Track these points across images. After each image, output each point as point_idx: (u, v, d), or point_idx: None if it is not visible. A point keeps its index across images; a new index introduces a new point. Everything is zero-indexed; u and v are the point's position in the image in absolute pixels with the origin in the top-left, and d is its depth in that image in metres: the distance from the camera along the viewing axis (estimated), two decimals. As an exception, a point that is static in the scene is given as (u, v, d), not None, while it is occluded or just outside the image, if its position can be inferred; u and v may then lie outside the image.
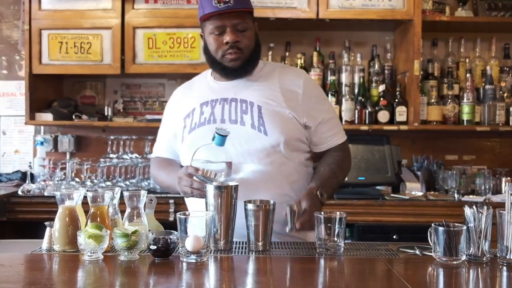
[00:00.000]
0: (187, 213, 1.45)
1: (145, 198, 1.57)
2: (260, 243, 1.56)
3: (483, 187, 3.20)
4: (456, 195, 3.06)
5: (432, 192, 3.17)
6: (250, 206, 1.56)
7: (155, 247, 1.42)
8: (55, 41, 3.20)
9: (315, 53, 3.42)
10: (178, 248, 1.44)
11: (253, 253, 1.55)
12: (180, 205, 2.96)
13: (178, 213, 1.44)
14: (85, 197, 1.57)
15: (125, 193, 1.55)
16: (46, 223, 1.59)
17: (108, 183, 3.21)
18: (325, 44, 3.53)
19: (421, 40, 3.17)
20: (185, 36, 3.18)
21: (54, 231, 1.53)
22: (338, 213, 1.54)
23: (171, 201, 2.95)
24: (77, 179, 3.23)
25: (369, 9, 3.17)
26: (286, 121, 1.81)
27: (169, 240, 1.43)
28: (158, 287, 1.30)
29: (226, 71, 1.84)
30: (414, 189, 3.17)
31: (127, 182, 3.26)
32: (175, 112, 1.97)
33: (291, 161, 1.83)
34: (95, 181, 3.21)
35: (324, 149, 1.92)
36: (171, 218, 2.93)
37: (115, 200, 1.62)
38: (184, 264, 1.41)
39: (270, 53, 3.44)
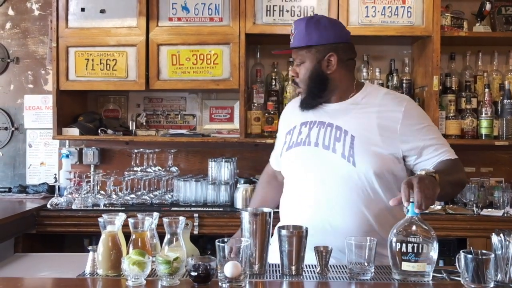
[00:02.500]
0: (225, 240, 1.52)
1: (184, 224, 1.64)
2: (293, 267, 1.62)
3: (501, 200, 3.24)
4: (475, 209, 3.10)
5: (450, 206, 3.22)
6: (283, 232, 1.62)
7: (195, 273, 1.49)
8: (81, 58, 3.29)
9: (334, 68, 3.47)
10: (217, 273, 1.51)
11: (287, 277, 1.61)
12: (204, 218, 3.03)
13: (217, 240, 1.51)
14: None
15: (165, 220, 1.61)
16: (89, 247, 1.66)
17: (133, 195, 3.29)
18: (344, 58, 3.57)
19: (439, 55, 3.22)
20: (208, 52, 3.25)
21: (98, 255, 1.60)
22: (368, 239, 1.60)
23: (196, 215, 3.02)
24: (102, 192, 3.31)
25: (389, 25, 3.22)
26: (377, 154, 1.83)
27: (208, 266, 1.50)
28: (199, 311, 1.37)
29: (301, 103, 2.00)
30: (433, 202, 3.21)
31: (151, 195, 3.34)
32: (282, 126, 2.13)
33: (380, 194, 1.85)
34: (120, 194, 3.29)
35: (432, 166, 1.84)
36: (195, 232, 2.99)
37: (153, 225, 1.69)
38: (223, 289, 1.48)
39: (290, 67, 3.50)
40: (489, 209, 3.15)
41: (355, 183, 1.83)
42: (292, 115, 2.06)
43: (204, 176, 3.42)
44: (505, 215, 3.05)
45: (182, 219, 1.63)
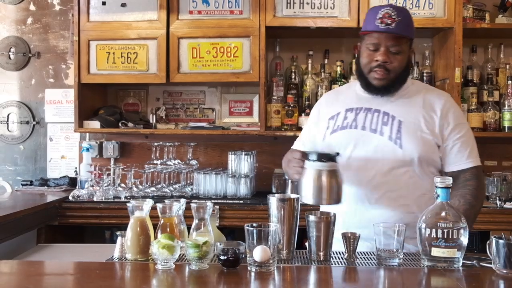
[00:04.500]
0: (254, 224, 1.52)
1: (211, 209, 1.65)
2: (321, 253, 1.62)
3: (524, 194, 3.21)
4: (498, 202, 3.07)
5: (473, 199, 3.18)
6: (311, 218, 1.62)
7: (224, 257, 1.49)
8: (102, 52, 3.31)
9: (353, 61, 3.46)
10: (246, 258, 1.51)
11: (315, 263, 1.61)
12: (224, 211, 3.03)
13: (246, 224, 1.51)
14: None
15: (193, 205, 1.62)
16: (118, 232, 1.67)
17: (153, 188, 3.30)
18: (364, 51, 3.55)
19: (461, 47, 3.19)
20: (228, 45, 3.26)
21: (126, 240, 1.62)
22: (397, 224, 1.59)
23: (216, 207, 3.01)
24: (123, 185, 3.33)
25: (410, 17, 3.19)
26: (422, 139, 1.91)
27: (237, 251, 1.50)
28: (229, 295, 1.37)
29: (370, 87, 1.98)
30: (455, 195, 3.18)
31: (171, 188, 3.35)
32: (320, 115, 2.13)
33: (421, 178, 1.92)
34: (140, 186, 3.31)
35: (454, 169, 1.96)
36: (216, 224, 2.99)
37: (181, 211, 1.70)
38: (252, 273, 1.48)
39: (309, 61, 3.49)
40: (511, 203, 3.12)
41: (399, 166, 1.90)
42: (331, 104, 2.11)
43: (223, 169, 3.42)
44: (529, 208, 3.02)
45: (209, 204, 1.64)
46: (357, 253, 1.67)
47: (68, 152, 3.80)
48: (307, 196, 1.75)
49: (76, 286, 1.45)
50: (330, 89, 3.39)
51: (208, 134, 3.47)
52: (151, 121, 3.57)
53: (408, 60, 1.97)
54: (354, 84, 2.12)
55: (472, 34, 3.37)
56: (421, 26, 3.20)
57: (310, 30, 3.33)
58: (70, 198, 3.16)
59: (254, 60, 3.23)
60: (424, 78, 3.47)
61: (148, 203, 1.65)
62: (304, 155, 1.79)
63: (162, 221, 1.62)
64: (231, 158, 3.33)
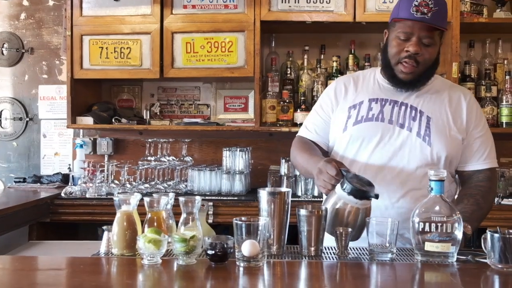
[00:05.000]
0: (243, 218, 1.48)
1: (200, 203, 1.61)
2: (312, 248, 1.58)
3: (523, 190, 3.17)
4: (496, 198, 3.03)
5: (470, 195, 3.14)
6: (302, 212, 1.58)
7: (212, 252, 1.45)
8: (95, 47, 3.27)
9: (350, 56, 3.43)
10: (234, 252, 1.47)
11: (305, 258, 1.57)
12: (218, 207, 3.00)
13: (234, 218, 1.48)
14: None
15: (181, 199, 1.58)
16: (104, 227, 1.64)
17: (147, 185, 3.27)
18: (360, 47, 3.53)
19: (459, 42, 3.15)
20: (223, 40, 3.22)
21: (113, 235, 1.58)
22: (390, 219, 1.56)
23: (210, 203, 2.99)
24: (116, 181, 3.29)
25: (406, 11, 3.15)
26: (450, 138, 1.85)
27: (225, 245, 1.46)
28: (217, 291, 1.33)
29: (395, 80, 1.87)
30: (452, 192, 3.14)
31: (165, 184, 3.31)
32: (337, 99, 1.97)
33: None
34: (134, 183, 3.27)
35: (469, 168, 1.90)
36: (210, 221, 2.97)
37: (169, 205, 1.66)
38: (241, 268, 1.44)
39: (305, 56, 3.45)
40: (510, 199, 3.08)
41: (426, 163, 1.81)
42: (350, 91, 1.96)
43: (218, 166, 3.38)
44: (527, 204, 2.98)
45: (198, 198, 1.60)
46: (350, 248, 1.63)
47: (62, 148, 3.76)
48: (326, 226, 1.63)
49: (59, 281, 1.41)
50: (326, 85, 3.35)
51: (202, 130, 3.43)
52: (145, 117, 3.53)
53: (438, 51, 1.85)
54: (373, 72, 1.99)
55: (470, 29, 3.33)
56: (418, 21, 3.16)
57: (306, 25, 3.29)
58: (62, 195, 3.12)
59: (249, 55, 3.20)
60: (421, 73, 3.43)
61: (136, 197, 1.61)
62: (339, 174, 1.62)
63: (149, 215, 1.58)
64: (226, 154, 3.29)
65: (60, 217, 3.07)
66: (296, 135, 2.08)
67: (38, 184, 3.51)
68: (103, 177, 3.29)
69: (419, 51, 1.78)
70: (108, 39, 3.26)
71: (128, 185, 3.23)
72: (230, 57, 3.21)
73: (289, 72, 3.47)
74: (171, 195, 1.67)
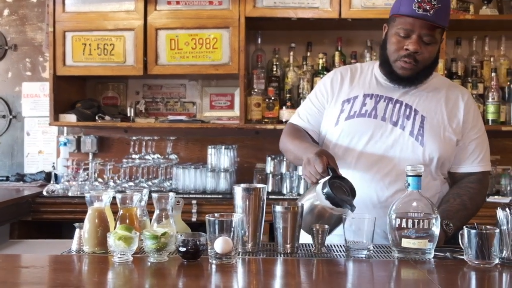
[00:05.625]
0: (216, 215, 1.45)
1: (173, 200, 1.58)
2: (288, 246, 1.55)
3: (508, 188, 3.16)
4: (487, 199, 3.01)
5: (456, 193, 3.12)
6: (278, 208, 1.55)
7: (184, 249, 1.42)
8: (78, 43, 3.23)
9: (336, 53, 3.40)
10: (207, 250, 1.44)
11: (281, 255, 1.54)
12: (202, 205, 2.97)
13: (207, 215, 1.45)
14: (113, 198, 1.59)
15: (154, 195, 1.55)
16: (76, 224, 1.60)
17: (131, 183, 3.23)
18: (347, 44, 3.50)
19: (445, 39, 3.12)
20: (207, 37, 3.18)
21: (84, 232, 1.54)
22: (367, 215, 1.53)
23: (194, 201, 2.96)
24: (100, 180, 3.26)
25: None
26: (444, 138, 1.80)
27: (198, 242, 1.43)
28: (188, 289, 1.30)
29: (392, 76, 1.81)
30: (438, 190, 3.12)
31: (150, 183, 3.27)
32: (333, 90, 1.91)
33: (434, 178, 1.82)
34: (118, 181, 3.23)
35: (462, 170, 1.86)
36: (193, 219, 2.94)
37: (143, 201, 1.63)
38: (213, 266, 1.41)
39: (291, 53, 3.43)
40: (495, 196, 3.07)
41: (417, 164, 1.68)
42: (346, 83, 1.91)
43: (203, 164, 3.35)
44: (512, 202, 2.97)
45: (171, 194, 1.57)
46: (326, 245, 1.60)
47: (46, 147, 3.71)
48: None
49: (26, 280, 1.37)
50: (312, 82, 3.33)
51: (187, 127, 3.40)
52: (129, 114, 3.49)
53: (438, 49, 1.79)
54: (372, 65, 1.93)
55: (457, 26, 3.31)
56: (404, 17, 3.14)
57: (292, 21, 3.26)
58: (44, 193, 3.08)
59: (234, 52, 3.16)
60: (408, 71, 3.41)
61: (108, 193, 1.57)
62: (325, 172, 1.58)
63: (121, 212, 1.54)
64: (211, 152, 3.26)
65: (41, 215, 3.03)
66: (288, 122, 2.04)
67: (21, 182, 3.47)
68: (87, 175, 3.25)
69: (419, 49, 1.72)
70: (91, 35, 3.22)
71: (112, 183, 3.19)
72: (214, 53, 3.18)
73: (275, 69, 3.44)
74: (145, 191, 1.64)
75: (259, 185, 1.59)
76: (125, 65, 3.23)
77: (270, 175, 3.30)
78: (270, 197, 3.11)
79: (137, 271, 1.41)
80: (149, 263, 1.43)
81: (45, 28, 3.56)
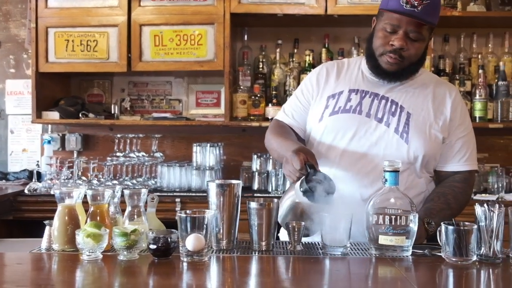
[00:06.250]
0: (188, 211, 1.41)
1: (146, 196, 1.54)
2: (263, 243, 1.51)
3: (495, 186, 3.13)
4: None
5: (443, 191, 3.10)
6: (252, 205, 1.51)
7: (155, 246, 1.38)
8: (61, 39, 3.18)
9: (323, 50, 3.37)
10: (179, 247, 1.40)
11: (256, 253, 1.51)
12: (186, 203, 2.93)
13: (178, 211, 1.41)
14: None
15: (126, 191, 1.51)
16: (46, 221, 1.56)
17: (115, 181, 3.18)
18: (334, 41, 3.47)
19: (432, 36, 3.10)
20: (192, 33, 3.14)
21: (53, 230, 1.50)
22: (343, 213, 1.49)
23: (177, 199, 2.92)
24: (83, 178, 3.21)
25: (379, 4, 3.09)
26: (430, 136, 1.75)
27: (169, 239, 1.39)
28: (157, 287, 1.26)
29: (378, 70, 1.77)
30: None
31: (134, 181, 3.23)
32: (319, 86, 1.88)
33: (418, 176, 1.77)
34: (102, 179, 3.19)
35: (448, 169, 1.81)
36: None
37: (116, 198, 1.59)
38: (185, 264, 1.37)
39: (278, 50, 3.39)
40: (483, 194, 3.04)
41: (401, 161, 1.63)
42: (332, 78, 1.87)
43: (189, 162, 3.31)
44: (499, 199, 2.94)
45: (144, 190, 1.53)
46: (302, 243, 1.56)
47: (30, 145, 3.66)
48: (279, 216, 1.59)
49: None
50: (299, 79, 3.30)
51: (173, 125, 3.35)
52: (113, 112, 3.44)
53: (426, 46, 1.76)
54: (360, 60, 1.89)
55: (444, 23, 3.27)
56: (390, 13, 3.11)
57: (279, 18, 3.23)
58: (26, 191, 3.03)
59: (219, 48, 3.13)
60: (396, 68, 3.39)
61: (79, 190, 1.53)
62: (304, 169, 1.54)
63: (91, 209, 1.50)
64: (196, 150, 3.23)
65: (23, 214, 2.98)
66: (274, 118, 2.00)
67: (4, 181, 3.42)
68: (70, 173, 3.21)
69: (405, 46, 1.68)
70: (74, 31, 3.18)
71: (95, 182, 3.15)
72: (199, 50, 3.14)
73: (261, 66, 3.40)
74: (118, 188, 1.59)
75: (233, 181, 1.56)
76: (109, 61, 3.18)
77: (256, 173, 3.27)
78: (256, 195, 3.09)
79: (107, 269, 1.38)
80: (119, 261, 1.40)
81: (27, 24, 3.51)
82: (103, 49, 3.17)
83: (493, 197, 2.96)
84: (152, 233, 1.41)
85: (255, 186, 3.26)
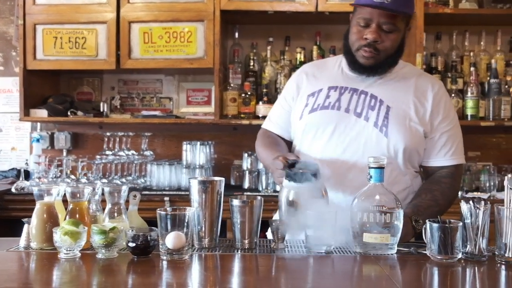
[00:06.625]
0: (168, 209, 1.38)
1: (126, 193, 1.51)
2: (246, 241, 1.48)
3: (487, 184, 3.11)
4: (459, 192, 2.96)
5: (435, 189, 3.07)
6: (235, 202, 1.48)
7: (133, 244, 1.36)
8: (49, 36, 3.14)
9: (315, 48, 3.34)
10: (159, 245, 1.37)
11: (239, 251, 1.48)
12: (175, 202, 2.90)
13: (158, 209, 1.38)
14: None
15: (106, 189, 1.48)
16: (24, 219, 1.53)
17: (104, 180, 3.16)
18: (326, 38, 3.44)
19: (423, 33, 3.09)
20: (181, 30, 3.11)
21: (32, 228, 1.47)
22: (327, 210, 1.47)
23: (166, 198, 2.89)
24: (72, 176, 3.18)
25: (370, 1, 3.07)
26: (410, 129, 1.73)
27: (148, 237, 1.36)
28: (136, 286, 1.23)
29: (356, 65, 1.76)
30: (417, 186, 3.07)
31: (123, 179, 3.20)
32: (299, 88, 1.89)
33: (402, 172, 1.74)
34: (91, 178, 3.16)
35: (434, 164, 1.78)
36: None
37: (97, 196, 1.56)
38: (164, 262, 1.34)
39: (269, 48, 3.36)
40: (474, 193, 3.02)
41: (382, 156, 1.62)
42: (313, 77, 1.88)
43: (179, 160, 3.28)
44: (491, 198, 2.92)
45: (124, 188, 1.50)
46: (286, 240, 1.54)
47: (19, 143, 3.63)
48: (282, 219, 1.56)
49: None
50: (290, 76, 3.26)
51: (163, 123, 3.32)
52: (102, 110, 3.40)
53: (403, 39, 1.74)
54: (340, 58, 1.88)
55: (437, 21, 3.27)
56: (382, 11, 3.09)
57: (270, 15, 3.20)
58: (13, 190, 3.00)
59: (209, 46, 3.09)
60: (387, 65, 3.36)
61: (58, 187, 1.50)
62: (286, 166, 1.55)
63: (71, 206, 1.47)
64: (186, 148, 3.20)
65: (10, 213, 2.94)
66: (261, 127, 1.99)
67: (-8, 179, 3.38)
68: (59, 172, 3.17)
69: (378, 38, 1.67)
70: (63, 28, 3.14)
71: (84, 180, 3.12)
72: (189, 47, 3.11)
73: (252, 64, 3.37)
74: (99, 184, 1.56)
75: (216, 178, 1.52)
76: (97, 59, 3.15)
77: (247, 172, 3.24)
78: (246, 193, 3.06)
79: (85, 267, 1.35)
80: (97, 260, 1.37)
81: (15, 21, 3.47)
82: (91, 46, 3.13)
83: (484, 196, 2.94)
84: (132, 231, 1.38)
85: (246, 184, 3.23)
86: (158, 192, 3.01)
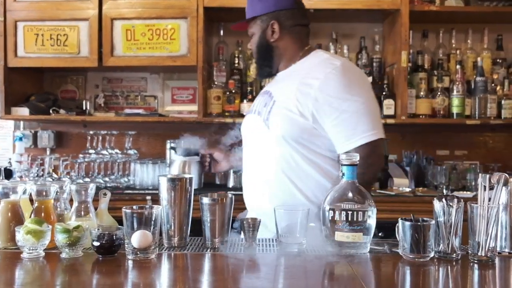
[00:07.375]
0: (134, 207, 1.35)
1: (93, 191, 1.47)
2: (216, 240, 1.45)
3: (473, 183, 3.09)
4: (445, 191, 2.94)
5: (421, 188, 3.05)
6: (205, 200, 1.45)
7: (98, 243, 1.32)
8: (31, 33, 3.10)
9: (301, 45, 3.30)
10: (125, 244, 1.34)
11: (209, 250, 1.44)
12: (157, 201, 2.84)
13: (124, 207, 1.34)
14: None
15: (72, 186, 1.44)
16: (-11, 218, 1.48)
17: (87, 179, 3.12)
18: (312, 36, 3.29)
19: (408, 30, 3.06)
20: (165, 27, 3.07)
21: (-5, 227, 1.43)
22: (300, 208, 1.44)
23: (148, 197, 2.85)
24: (55, 175, 3.14)
25: (355, -2, 3.05)
26: (288, 119, 1.72)
27: (114, 236, 1.33)
28: (101, 286, 1.20)
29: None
30: (402, 185, 3.05)
31: (106, 179, 3.16)
32: None
33: (302, 163, 1.73)
34: (74, 177, 3.12)
35: (340, 151, 1.68)
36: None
37: (66, 194, 1.52)
38: (130, 262, 1.31)
39: (254, 45, 3.33)
40: (461, 192, 3.00)
41: (273, 149, 1.77)
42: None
43: (163, 159, 3.24)
44: (476, 196, 2.89)
45: (92, 185, 1.46)
46: (258, 239, 1.50)
47: (2, 142, 3.58)
48: None
49: None
50: (275, 74, 3.23)
51: (146, 122, 3.29)
52: (84, 108, 3.36)
53: (264, 35, 1.86)
54: None
55: (423, 19, 3.25)
56: (367, 8, 3.07)
57: (255, 13, 3.16)
58: (-8, 189, 2.94)
59: (192, 43, 3.06)
60: (374, 63, 3.35)
61: (23, 185, 1.46)
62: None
63: (36, 205, 1.43)
64: (169, 146, 3.15)
65: (-10, 212, 2.89)
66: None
67: (-27, 179, 3.33)
68: (42, 171, 3.13)
69: (250, 45, 1.97)
70: (44, 25, 3.10)
71: (66, 179, 3.07)
72: (172, 45, 3.07)
73: (237, 62, 3.34)
74: (67, 182, 1.53)
75: (186, 175, 1.49)
76: (79, 56, 3.11)
77: (231, 171, 3.20)
78: (232, 192, 3.01)
79: (49, 267, 1.31)
80: (61, 259, 1.33)
81: (0, 19, 3.43)
82: (73, 43, 3.09)
83: (470, 195, 2.92)
84: (98, 229, 1.34)
85: (231, 184, 3.20)
86: (141, 191, 2.97)
